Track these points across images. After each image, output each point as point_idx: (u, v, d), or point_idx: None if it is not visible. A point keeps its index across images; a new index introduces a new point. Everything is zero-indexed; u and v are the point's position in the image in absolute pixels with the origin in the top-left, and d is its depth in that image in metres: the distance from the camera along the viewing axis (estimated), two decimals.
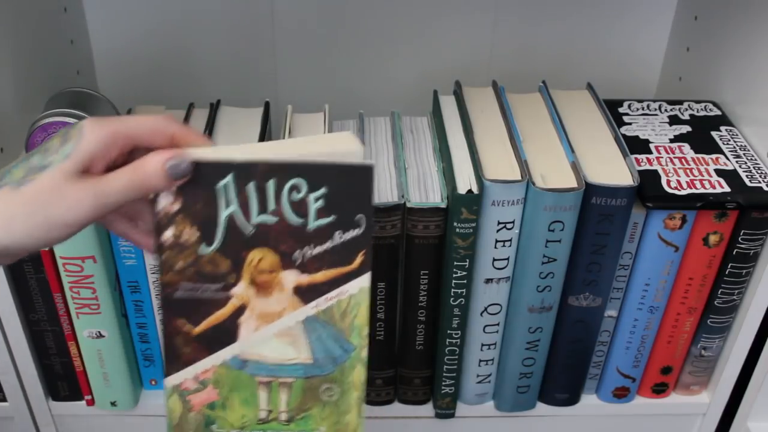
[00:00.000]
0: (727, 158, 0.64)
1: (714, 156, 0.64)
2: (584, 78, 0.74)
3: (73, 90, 0.64)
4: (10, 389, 0.69)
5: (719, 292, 0.65)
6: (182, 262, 0.44)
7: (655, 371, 0.70)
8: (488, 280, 0.62)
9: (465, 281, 0.61)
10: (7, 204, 0.41)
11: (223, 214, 0.43)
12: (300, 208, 0.43)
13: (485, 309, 0.64)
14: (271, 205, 0.43)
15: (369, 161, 0.42)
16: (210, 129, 0.66)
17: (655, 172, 0.62)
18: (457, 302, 0.62)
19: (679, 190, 0.60)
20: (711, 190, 0.60)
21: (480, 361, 0.68)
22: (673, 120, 0.70)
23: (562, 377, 0.70)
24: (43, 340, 0.66)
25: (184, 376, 0.45)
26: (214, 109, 0.68)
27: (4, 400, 0.70)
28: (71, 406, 0.71)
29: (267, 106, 0.69)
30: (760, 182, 0.61)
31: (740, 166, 0.63)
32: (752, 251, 0.62)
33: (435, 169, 0.62)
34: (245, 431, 0.47)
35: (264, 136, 0.66)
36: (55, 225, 0.42)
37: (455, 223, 0.58)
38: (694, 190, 0.60)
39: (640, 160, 0.63)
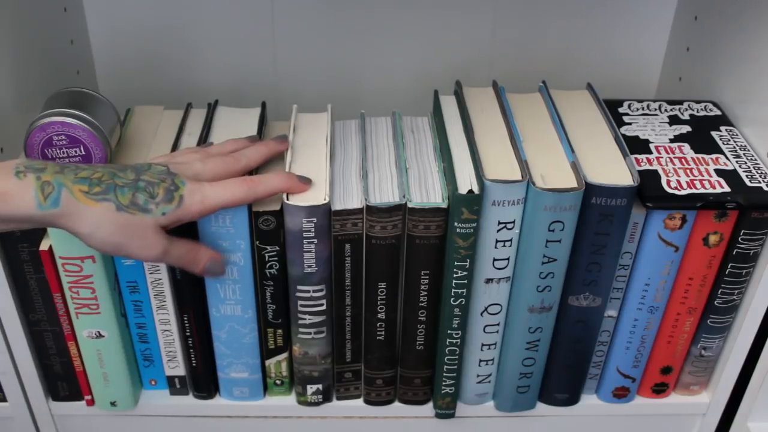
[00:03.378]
0: (727, 158, 0.64)
1: (714, 156, 0.64)
2: (584, 78, 0.74)
3: (72, 90, 0.64)
4: (10, 389, 0.69)
5: (719, 292, 0.65)
6: None
7: (655, 371, 0.70)
8: (488, 280, 0.62)
9: (465, 281, 0.61)
10: (103, 215, 0.51)
11: None
12: None
13: (485, 309, 0.64)
14: None
15: None
16: (207, 129, 0.66)
17: (655, 172, 0.62)
18: (457, 302, 0.62)
19: (679, 190, 0.60)
20: (711, 190, 0.60)
21: (480, 361, 0.68)
22: (673, 120, 0.70)
23: (562, 377, 0.70)
24: (43, 340, 0.66)
25: None
26: (211, 109, 0.68)
27: (4, 400, 0.70)
28: (71, 406, 0.71)
29: (263, 106, 0.69)
30: (760, 182, 0.61)
31: (740, 166, 0.63)
32: (752, 251, 0.62)
33: (436, 169, 0.62)
34: None
35: (261, 136, 0.66)
36: (123, 251, 0.53)
37: (456, 223, 0.58)
38: (694, 190, 0.60)
39: (640, 160, 0.63)
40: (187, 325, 0.66)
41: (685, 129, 0.68)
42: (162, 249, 0.54)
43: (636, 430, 0.76)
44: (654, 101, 0.72)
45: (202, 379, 0.70)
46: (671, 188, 0.60)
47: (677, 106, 0.72)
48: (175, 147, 0.64)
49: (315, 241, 0.59)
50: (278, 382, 0.70)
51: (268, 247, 0.60)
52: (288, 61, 0.85)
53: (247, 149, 0.61)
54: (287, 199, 0.58)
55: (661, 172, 0.62)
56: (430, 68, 0.85)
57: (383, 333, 0.66)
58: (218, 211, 0.57)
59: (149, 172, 0.54)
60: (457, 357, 0.66)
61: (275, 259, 0.61)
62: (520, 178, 0.57)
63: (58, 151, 0.59)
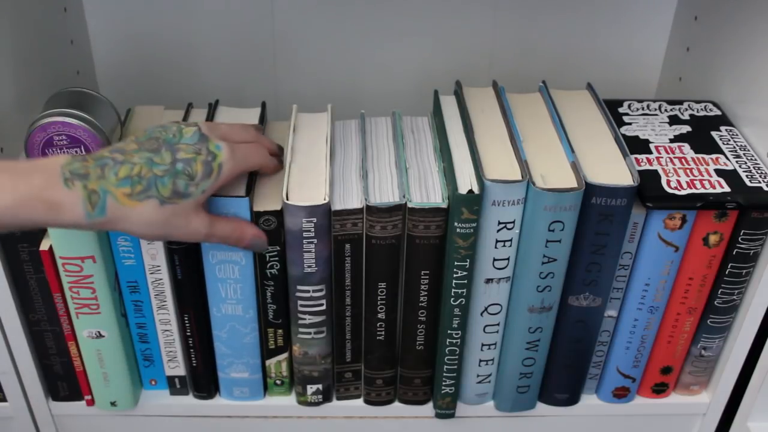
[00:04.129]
0: (727, 158, 0.64)
1: (714, 156, 0.64)
2: (584, 78, 0.74)
3: (73, 90, 0.64)
4: (10, 389, 0.69)
5: (719, 292, 0.65)
6: None
7: (655, 371, 0.70)
8: (488, 280, 0.62)
9: (465, 281, 0.61)
10: (148, 213, 0.52)
11: None
12: None
13: (485, 309, 0.64)
14: None
15: None
16: None
17: (655, 172, 0.62)
18: (457, 302, 0.62)
19: (679, 190, 0.60)
20: (711, 190, 0.60)
21: (480, 361, 0.68)
22: (673, 120, 0.70)
23: (562, 377, 0.70)
24: (43, 340, 0.66)
25: None
26: (212, 109, 0.68)
27: (4, 400, 0.70)
28: (71, 406, 0.71)
29: (263, 106, 0.69)
30: (760, 182, 0.61)
31: (740, 166, 0.63)
32: (752, 251, 0.62)
33: (436, 169, 0.62)
34: None
35: None
36: (168, 238, 0.55)
37: (456, 223, 0.58)
38: (694, 190, 0.60)
39: (640, 160, 0.63)
40: (187, 325, 0.66)
41: (685, 129, 0.68)
42: (205, 232, 0.55)
43: (636, 430, 0.76)
44: (654, 101, 0.72)
45: (203, 379, 0.70)
46: (671, 188, 0.60)
47: (677, 106, 0.72)
48: None
49: (315, 241, 0.59)
50: (278, 382, 0.70)
51: (268, 247, 0.60)
52: (288, 61, 0.85)
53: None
54: (287, 200, 0.58)
55: (661, 172, 0.62)
56: (430, 68, 0.85)
57: (383, 333, 0.66)
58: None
59: (182, 143, 0.53)
60: (457, 357, 0.66)
61: (276, 259, 0.61)
62: (520, 178, 0.57)
63: (59, 151, 0.59)
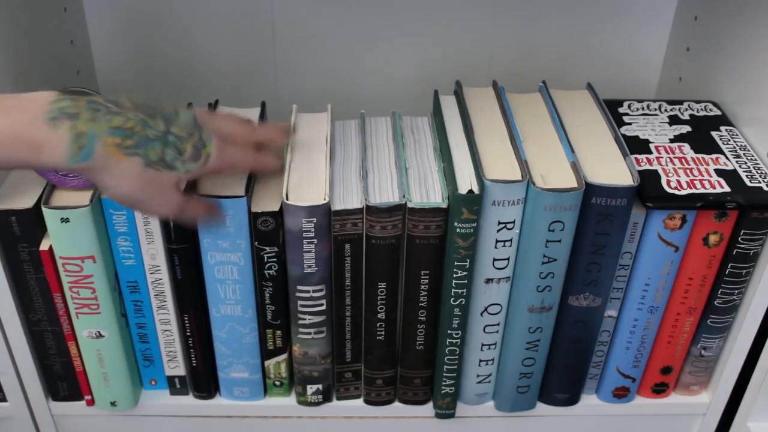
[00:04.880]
0: (727, 158, 0.64)
1: (714, 156, 0.64)
2: (584, 78, 0.74)
3: (72, 90, 0.64)
4: (10, 389, 0.69)
5: (719, 292, 0.65)
6: None
7: (655, 371, 0.70)
8: (488, 280, 0.62)
9: (465, 281, 0.61)
10: (130, 171, 0.50)
11: None
12: None
13: (485, 309, 0.64)
14: None
15: None
16: None
17: (655, 172, 0.62)
18: (457, 302, 0.62)
19: (679, 190, 0.60)
20: (711, 190, 0.60)
21: (480, 361, 0.68)
22: (673, 120, 0.70)
23: (562, 377, 0.70)
24: (43, 340, 0.66)
25: None
26: (211, 109, 0.68)
27: (4, 400, 0.70)
28: (71, 406, 0.71)
29: (263, 106, 0.69)
30: (760, 182, 0.61)
31: (740, 166, 0.63)
32: (752, 251, 0.62)
33: (435, 169, 0.62)
34: None
35: None
36: (140, 207, 0.54)
37: (456, 223, 0.58)
38: (694, 190, 0.60)
39: (640, 160, 0.63)
40: (187, 325, 0.66)
41: (685, 129, 0.68)
42: (177, 207, 0.54)
43: (636, 430, 0.76)
44: (654, 101, 0.72)
45: (202, 379, 0.70)
46: (671, 188, 0.60)
47: (677, 106, 0.72)
48: None
49: (315, 241, 0.59)
50: (277, 383, 0.70)
51: (267, 248, 0.60)
52: (288, 61, 0.85)
53: (260, 127, 0.61)
54: (287, 200, 0.58)
55: (661, 172, 0.62)
56: (430, 68, 0.85)
57: (383, 333, 0.66)
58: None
59: (178, 123, 0.53)
60: (457, 357, 0.66)
61: (274, 260, 0.61)
62: (520, 178, 0.57)
63: None
